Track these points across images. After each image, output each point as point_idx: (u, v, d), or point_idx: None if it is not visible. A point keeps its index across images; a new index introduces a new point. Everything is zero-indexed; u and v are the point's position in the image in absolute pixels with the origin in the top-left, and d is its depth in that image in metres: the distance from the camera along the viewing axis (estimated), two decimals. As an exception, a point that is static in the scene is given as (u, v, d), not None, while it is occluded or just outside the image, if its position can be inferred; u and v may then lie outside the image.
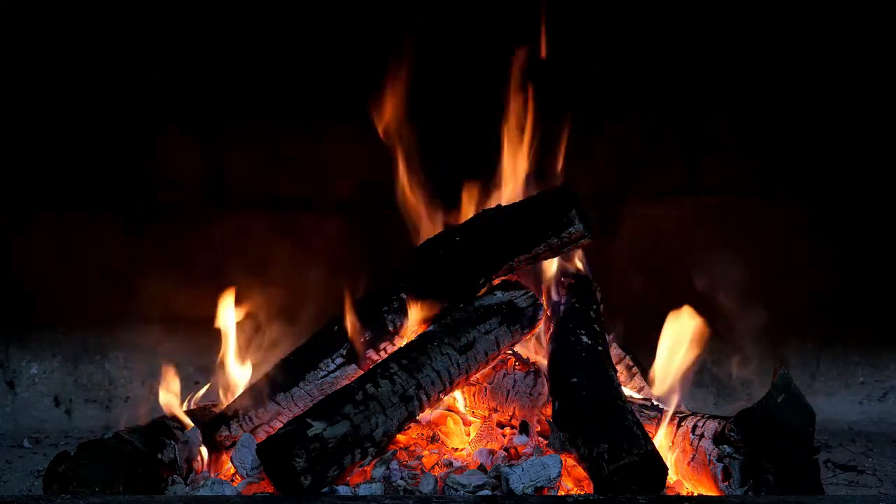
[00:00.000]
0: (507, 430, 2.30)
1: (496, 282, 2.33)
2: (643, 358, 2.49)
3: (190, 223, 3.12)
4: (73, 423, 3.12)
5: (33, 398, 3.14)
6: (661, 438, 2.15)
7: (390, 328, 2.27)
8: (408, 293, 2.28)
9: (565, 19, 2.97)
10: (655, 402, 2.31)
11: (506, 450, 2.18)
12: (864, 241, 3.14)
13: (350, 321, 2.27)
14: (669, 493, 2.04)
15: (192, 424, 2.22)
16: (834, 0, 2.98)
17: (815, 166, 3.12)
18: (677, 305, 2.40)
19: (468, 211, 2.49)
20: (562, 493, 1.97)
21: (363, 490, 1.95)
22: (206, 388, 2.49)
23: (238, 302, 2.50)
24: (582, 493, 2.00)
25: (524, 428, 2.27)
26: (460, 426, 2.30)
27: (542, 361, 2.34)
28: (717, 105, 3.09)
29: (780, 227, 3.15)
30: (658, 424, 2.19)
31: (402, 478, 2.02)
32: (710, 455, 2.00)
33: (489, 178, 2.54)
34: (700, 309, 2.36)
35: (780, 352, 3.16)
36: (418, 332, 2.26)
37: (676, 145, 3.14)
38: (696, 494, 2.03)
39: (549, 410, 2.20)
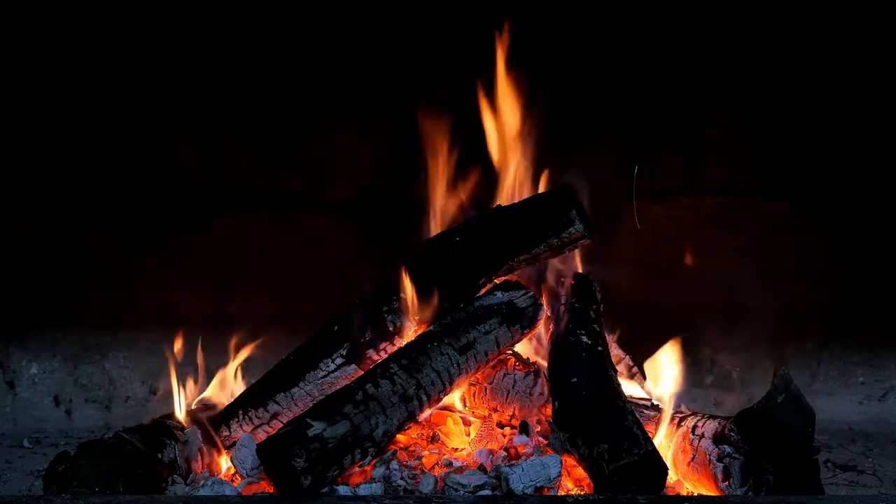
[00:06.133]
0: (507, 430, 2.30)
1: (496, 282, 2.34)
2: (643, 358, 2.49)
3: (190, 223, 3.12)
4: (73, 423, 3.12)
5: (33, 398, 3.14)
6: (661, 438, 2.15)
7: (390, 328, 2.27)
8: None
9: (565, 18, 2.98)
10: (655, 402, 2.31)
11: (506, 450, 2.18)
12: (865, 240, 3.14)
13: (350, 320, 2.27)
14: (669, 493, 2.04)
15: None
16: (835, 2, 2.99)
17: (816, 166, 3.12)
18: (676, 306, 2.40)
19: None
20: (562, 493, 1.97)
21: (363, 490, 1.95)
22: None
23: (238, 302, 2.50)
24: (582, 493, 2.00)
25: (524, 428, 2.27)
26: (460, 426, 2.30)
27: (542, 361, 2.34)
28: (717, 104, 3.09)
29: (780, 227, 3.14)
30: (658, 424, 2.19)
31: (402, 478, 2.02)
32: (710, 455, 2.00)
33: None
34: (700, 309, 2.36)
35: (780, 352, 3.16)
36: (418, 332, 2.26)
37: (677, 145, 3.14)
38: (696, 494, 2.03)
39: (549, 410, 2.20)
